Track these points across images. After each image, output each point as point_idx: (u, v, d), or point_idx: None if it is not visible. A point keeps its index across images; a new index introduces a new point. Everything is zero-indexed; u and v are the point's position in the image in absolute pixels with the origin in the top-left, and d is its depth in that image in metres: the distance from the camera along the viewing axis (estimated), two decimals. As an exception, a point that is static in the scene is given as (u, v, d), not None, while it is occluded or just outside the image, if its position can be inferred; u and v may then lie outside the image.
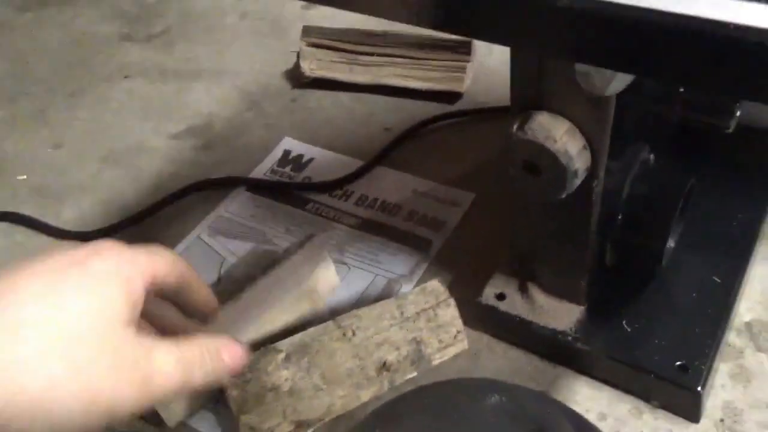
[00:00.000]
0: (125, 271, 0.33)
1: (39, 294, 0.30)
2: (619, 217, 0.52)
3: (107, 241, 0.35)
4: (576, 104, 0.43)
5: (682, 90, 0.49)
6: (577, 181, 0.45)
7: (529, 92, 0.45)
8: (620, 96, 0.42)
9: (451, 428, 0.29)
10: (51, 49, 1.02)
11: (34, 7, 1.12)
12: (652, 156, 0.54)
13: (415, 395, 0.32)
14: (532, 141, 0.43)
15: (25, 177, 0.80)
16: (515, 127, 0.44)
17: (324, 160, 0.78)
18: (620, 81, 0.39)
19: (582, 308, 0.55)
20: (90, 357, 0.30)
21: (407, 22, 0.34)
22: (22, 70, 0.99)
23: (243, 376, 0.50)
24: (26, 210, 0.76)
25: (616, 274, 0.55)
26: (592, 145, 0.44)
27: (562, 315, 0.55)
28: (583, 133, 0.44)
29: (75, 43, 1.03)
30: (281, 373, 0.50)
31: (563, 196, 0.45)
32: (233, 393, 0.49)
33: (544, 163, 0.44)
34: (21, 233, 0.75)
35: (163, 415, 0.52)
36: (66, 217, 0.76)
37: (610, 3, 0.27)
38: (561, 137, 0.43)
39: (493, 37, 0.35)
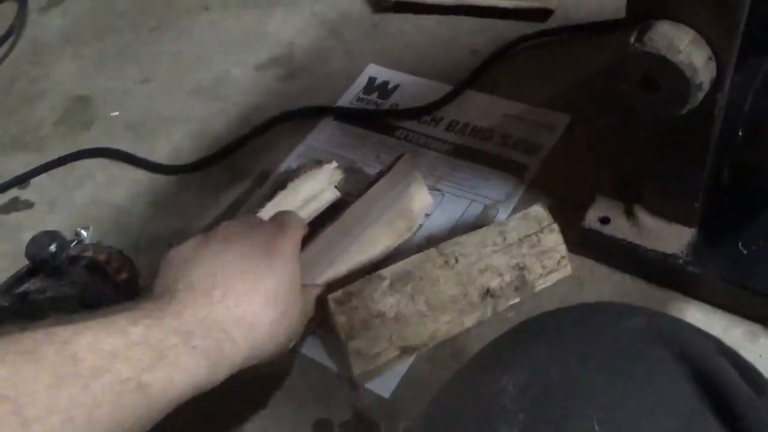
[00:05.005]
0: (297, 248, 0.49)
1: (247, 274, 0.44)
2: (740, 133, 0.48)
3: (286, 219, 0.51)
4: (702, 10, 0.40)
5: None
6: (701, 95, 0.42)
7: (648, -1, 0.41)
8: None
9: (587, 349, 0.28)
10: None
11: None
12: (775, 67, 0.50)
13: (553, 316, 0.32)
14: (652, 53, 0.40)
15: (117, 113, 0.82)
16: (633, 37, 0.41)
17: (410, 86, 0.76)
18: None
19: (693, 230, 0.53)
20: (289, 308, 0.46)
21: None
22: (104, 5, 0.99)
23: (349, 302, 0.50)
24: (121, 145, 0.78)
25: (731, 194, 0.52)
26: (718, 55, 0.41)
27: (671, 237, 0.53)
28: (709, 42, 0.41)
29: (152, -25, 1.03)
30: (387, 300, 0.50)
31: (684, 111, 0.43)
32: (341, 319, 0.50)
33: (665, 76, 0.41)
34: (118, 168, 0.77)
35: None
36: (159, 151, 0.77)
37: None
38: (685, 48, 0.40)
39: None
